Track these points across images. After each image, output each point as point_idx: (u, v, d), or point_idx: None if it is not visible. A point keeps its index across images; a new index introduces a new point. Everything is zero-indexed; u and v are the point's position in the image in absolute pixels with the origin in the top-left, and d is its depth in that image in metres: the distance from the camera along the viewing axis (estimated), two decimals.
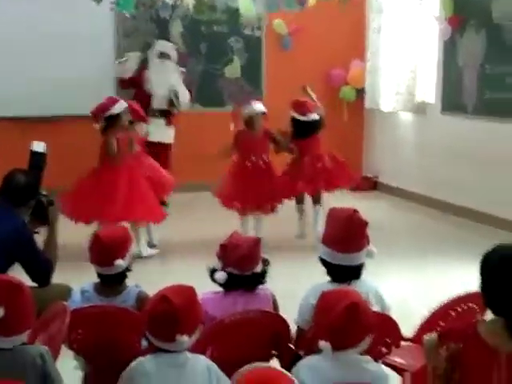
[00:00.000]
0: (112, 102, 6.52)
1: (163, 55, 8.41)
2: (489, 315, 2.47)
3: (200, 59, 9.55)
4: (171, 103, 8.16)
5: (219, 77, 9.63)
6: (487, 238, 6.94)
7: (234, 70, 9.71)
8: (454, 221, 8.00)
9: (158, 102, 8.12)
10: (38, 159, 4.46)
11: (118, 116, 6.39)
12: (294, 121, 7.02)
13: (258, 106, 6.98)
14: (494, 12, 7.50)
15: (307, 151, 7.01)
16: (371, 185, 9.92)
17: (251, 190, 6.80)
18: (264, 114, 6.95)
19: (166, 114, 8.23)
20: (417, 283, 5.80)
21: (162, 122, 8.13)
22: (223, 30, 9.60)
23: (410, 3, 8.93)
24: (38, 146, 4.51)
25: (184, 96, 8.33)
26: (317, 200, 7.10)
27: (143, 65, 8.45)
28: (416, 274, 6.05)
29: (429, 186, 8.80)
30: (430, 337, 2.48)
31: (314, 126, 7.04)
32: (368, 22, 9.77)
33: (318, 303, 2.69)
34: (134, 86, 8.37)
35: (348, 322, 2.57)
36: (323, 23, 9.50)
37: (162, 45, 8.61)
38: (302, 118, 6.96)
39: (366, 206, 7.97)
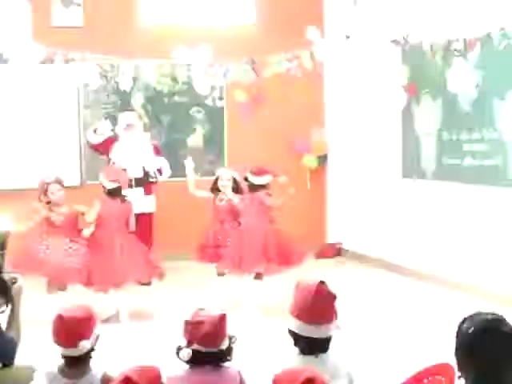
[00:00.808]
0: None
1: (129, 127, 8.39)
2: None
3: (162, 130, 9.61)
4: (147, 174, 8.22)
5: (182, 147, 9.68)
6: (455, 304, 6.96)
7: (196, 139, 9.78)
8: (421, 286, 7.99)
9: (133, 172, 8.07)
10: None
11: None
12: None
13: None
14: (449, 80, 7.68)
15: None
16: (336, 252, 9.94)
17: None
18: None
19: (144, 183, 8.23)
20: (383, 354, 5.74)
21: (140, 191, 8.13)
22: (185, 100, 9.69)
23: (367, 70, 9.13)
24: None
25: (165, 169, 8.39)
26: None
27: (112, 137, 8.43)
28: (382, 344, 6.00)
29: (393, 252, 8.84)
30: None
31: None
32: (326, 90, 9.94)
33: None
34: (101, 152, 8.39)
35: None
36: (282, 92, 9.59)
37: (125, 117, 8.58)
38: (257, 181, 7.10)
39: (330, 273, 8.02)
